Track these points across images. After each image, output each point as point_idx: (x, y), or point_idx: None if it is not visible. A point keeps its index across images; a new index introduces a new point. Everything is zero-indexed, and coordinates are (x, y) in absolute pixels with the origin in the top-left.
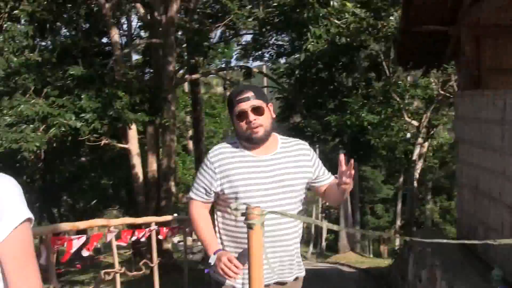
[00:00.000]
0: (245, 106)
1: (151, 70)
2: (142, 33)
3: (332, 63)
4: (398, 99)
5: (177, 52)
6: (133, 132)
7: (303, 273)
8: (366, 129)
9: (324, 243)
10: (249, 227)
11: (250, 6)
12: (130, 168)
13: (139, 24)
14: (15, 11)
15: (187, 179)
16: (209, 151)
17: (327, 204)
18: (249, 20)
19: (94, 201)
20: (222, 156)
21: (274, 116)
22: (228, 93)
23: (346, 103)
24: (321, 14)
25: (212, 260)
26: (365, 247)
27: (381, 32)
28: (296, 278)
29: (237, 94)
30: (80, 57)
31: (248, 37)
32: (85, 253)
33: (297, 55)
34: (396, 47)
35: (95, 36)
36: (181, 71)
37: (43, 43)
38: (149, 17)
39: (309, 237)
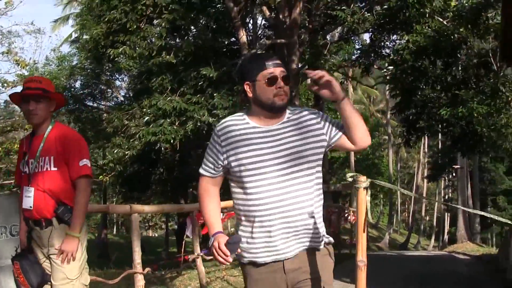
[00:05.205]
0: (278, 71)
1: None
2: (267, 32)
3: (435, 56)
4: (506, 93)
5: (299, 51)
6: None
7: (317, 244)
8: (474, 120)
9: (446, 237)
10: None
11: (362, 12)
12: None
13: (264, 24)
14: (157, 20)
15: None
16: (217, 125)
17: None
18: (361, 25)
19: None
20: (228, 128)
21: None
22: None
23: (457, 96)
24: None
25: (210, 242)
26: (487, 240)
27: (481, 28)
28: (308, 249)
29: (267, 58)
30: (210, 57)
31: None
32: None
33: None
34: (500, 42)
35: (223, 36)
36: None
37: (174, 43)
38: (274, 19)
39: (431, 231)
